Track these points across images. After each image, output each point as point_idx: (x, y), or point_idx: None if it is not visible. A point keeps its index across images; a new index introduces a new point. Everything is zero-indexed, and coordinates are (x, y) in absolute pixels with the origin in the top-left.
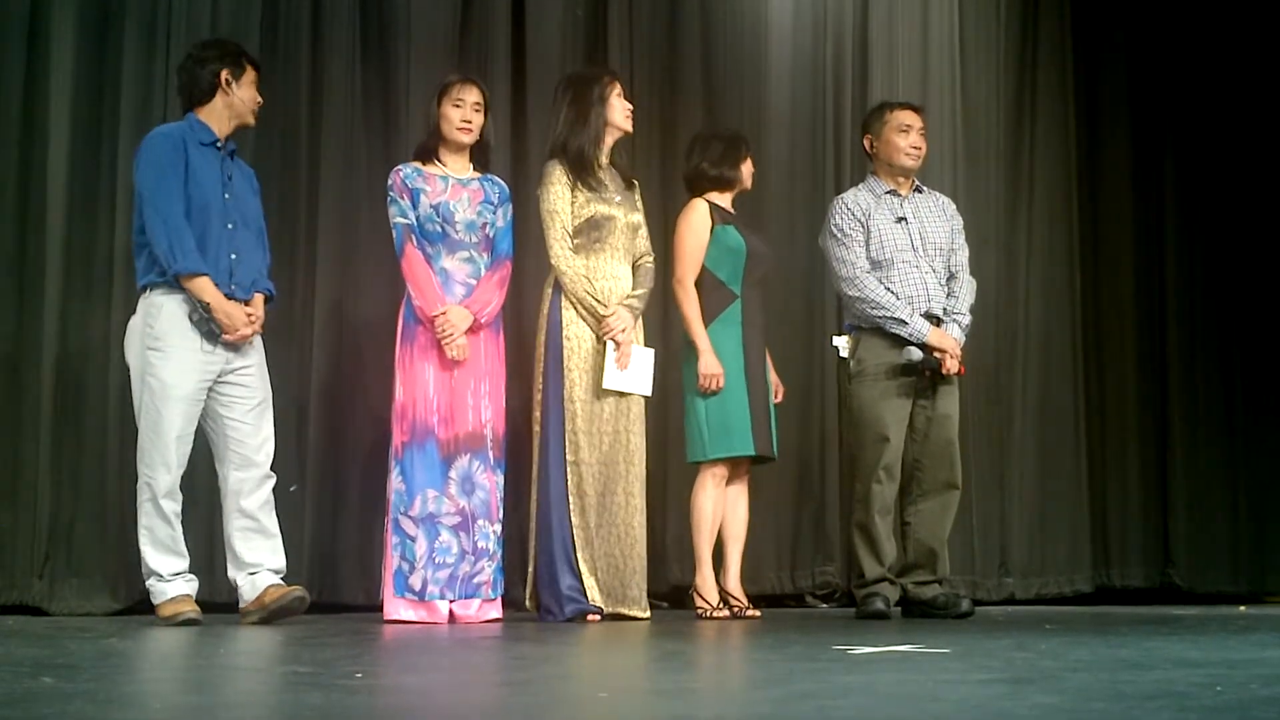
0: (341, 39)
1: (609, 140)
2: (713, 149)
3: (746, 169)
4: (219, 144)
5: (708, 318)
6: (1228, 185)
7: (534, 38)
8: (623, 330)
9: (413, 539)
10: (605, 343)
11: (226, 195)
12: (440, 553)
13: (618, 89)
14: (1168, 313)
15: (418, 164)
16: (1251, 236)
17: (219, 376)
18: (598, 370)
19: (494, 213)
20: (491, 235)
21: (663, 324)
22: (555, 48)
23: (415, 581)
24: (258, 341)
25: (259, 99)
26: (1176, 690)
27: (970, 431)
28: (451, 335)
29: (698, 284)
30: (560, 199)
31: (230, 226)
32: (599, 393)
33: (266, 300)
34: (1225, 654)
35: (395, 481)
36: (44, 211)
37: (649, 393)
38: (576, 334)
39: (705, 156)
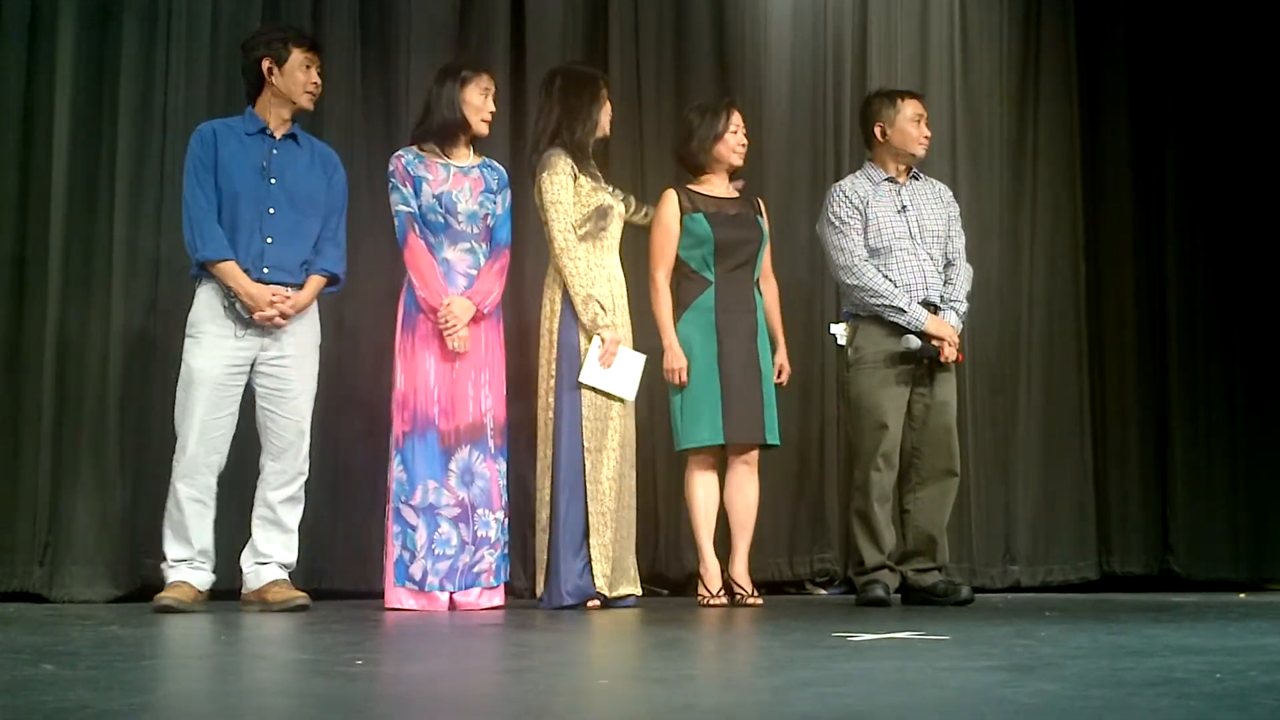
0: (342, 32)
1: (594, 139)
2: (683, 132)
3: (725, 145)
4: (268, 131)
5: (682, 306)
6: (1228, 177)
7: (534, 30)
8: (607, 328)
9: (414, 528)
10: (593, 336)
11: (273, 180)
12: (440, 544)
13: (606, 91)
14: (1168, 303)
15: (417, 149)
16: (1251, 227)
17: (256, 365)
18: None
19: (494, 201)
20: (491, 225)
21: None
22: (555, 40)
23: (415, 571)
24: (302, 331)
25: (313, 80)
26: (1176, 677)
27: (975, 420)
28: (455, 327)
29: (676, 272)
30: (565, 189)
31: (271, 211)
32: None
33: (332, 282)
34: (1225, 641)
35: (396, 470)
36: (45, 204)
37: (630, 397)
38: None
39: (676, 142)
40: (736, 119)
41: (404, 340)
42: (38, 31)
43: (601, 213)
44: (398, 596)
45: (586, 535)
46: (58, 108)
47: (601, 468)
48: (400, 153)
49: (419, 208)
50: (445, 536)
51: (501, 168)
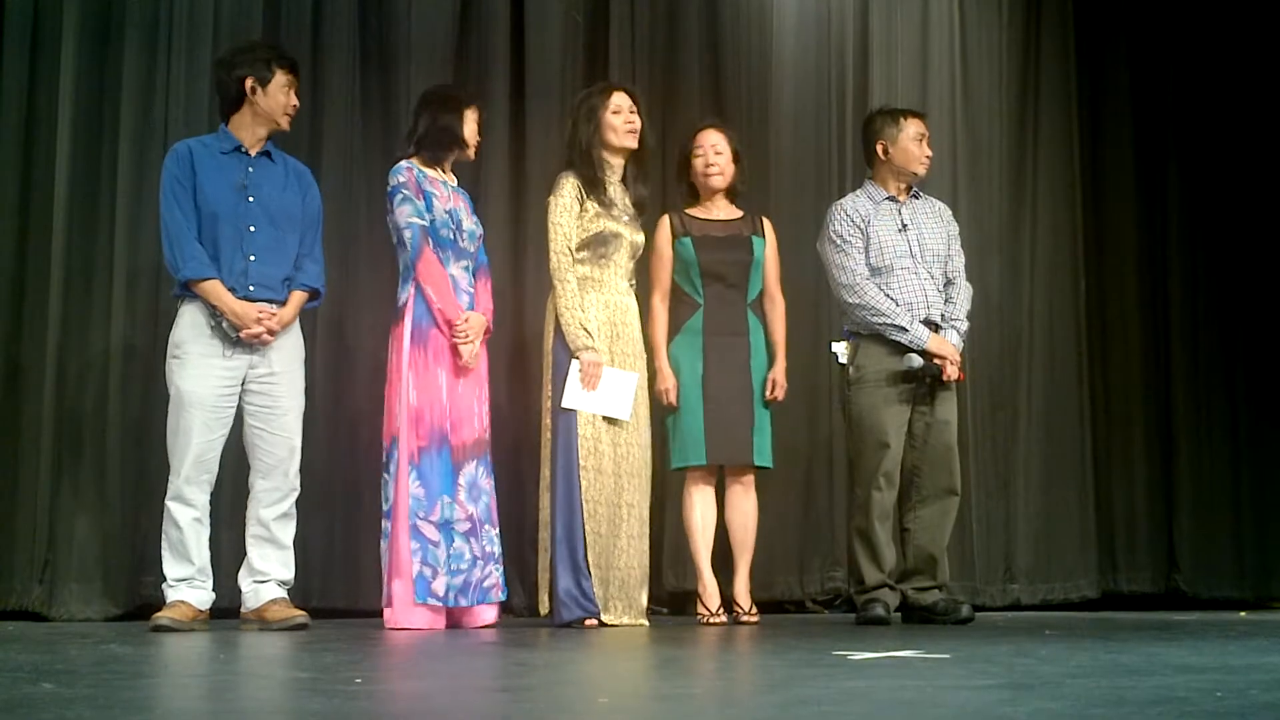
0: (341, 45)
1: (613, 157)
2: (676, 159)
3: (695, 170)
4: (243, 149)
5: (675, 328)
6: (1231, 189)
7: (534, 43)
8: (586, 350)
9: (435, 544)
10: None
11: (250, 199)
12: (454, 559)
13: (612, 105)
14: (1171, 318)
15: (419, 163)
16: (1255, 241)
17: (245, 383)
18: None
19: (478, 222)
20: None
21: None
22: (555, 54)
23: (439, 587)
24: (289, 347)
25: (293, 102)
26: (1177, 696)
27: (975, 437)
28: (473, 342)
29: (672, 295)
30: (566, 211)
31: (251, 229)
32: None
33: (313, 296)
34: (1225, 659)
35: (413, 486)
36: (46, 219)
37: (624, 417)
38: None
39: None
40: (704, 139)
41: (415, 354)
42: (39, 46)
43: (601, 240)
44: (415, 615)
45: (587, 554)
46: (59, 122)
47: (594, 488)
48: (408, 165)
49: (431, 222)
50: (459, 551)
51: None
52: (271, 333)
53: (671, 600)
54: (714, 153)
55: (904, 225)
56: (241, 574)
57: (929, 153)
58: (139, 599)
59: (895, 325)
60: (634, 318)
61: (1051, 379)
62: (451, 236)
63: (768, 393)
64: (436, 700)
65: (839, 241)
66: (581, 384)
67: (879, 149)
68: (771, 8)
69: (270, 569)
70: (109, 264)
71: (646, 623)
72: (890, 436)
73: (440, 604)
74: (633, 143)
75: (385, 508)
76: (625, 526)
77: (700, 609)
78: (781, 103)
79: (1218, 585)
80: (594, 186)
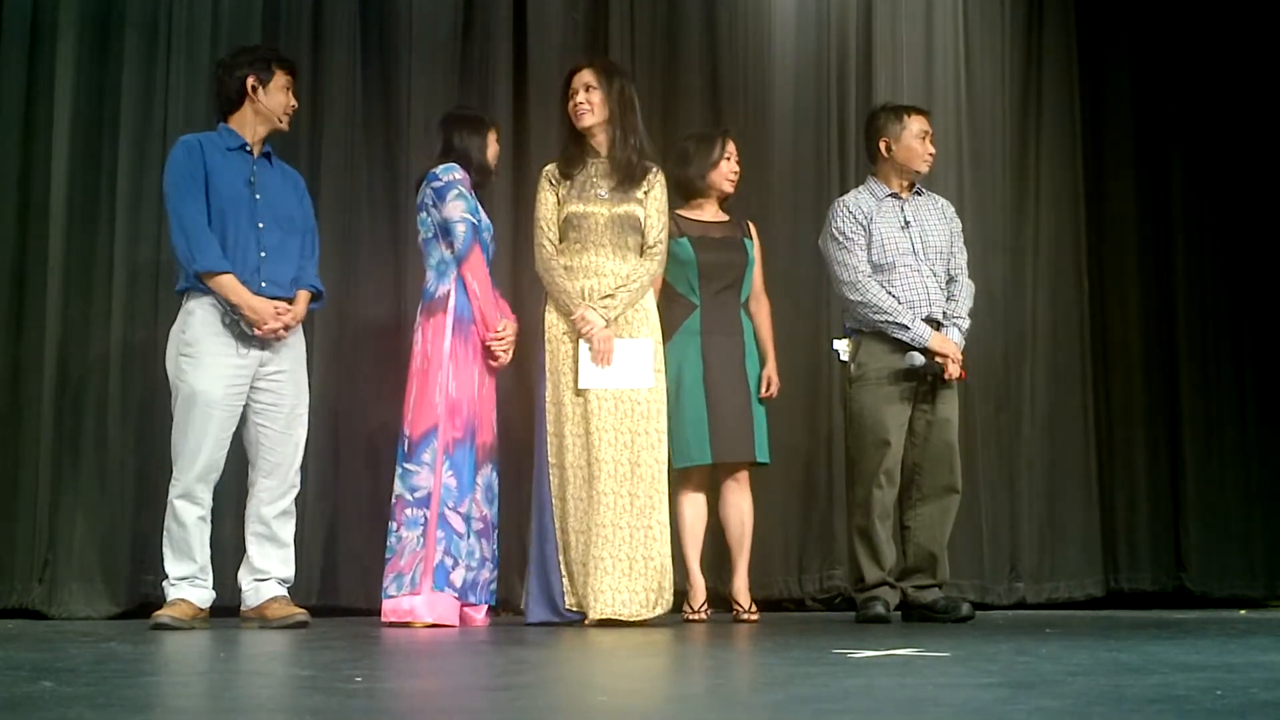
0: (342, 44)
1: (591, 138)
2: (677, 158)
3: (719, 173)
4: (248, 148)
5: (671, 328)
6: (1236, 184)
7: (535, 43)
8: (591, 328)
9: (460, 535)
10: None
11: (257, 196)
12: (468, 555)
13: (570, 88)
14: (1177, 313)
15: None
16: (1261, 236)
17: (254, 380)
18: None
19: None
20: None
21: None
22: (556, 52)
23: (456, 578)
24: (295, 345)
25: (292, 103)
26: (1177, 694)
27: (979, 435)
28: (508, 349)
29: (665, 295)
30: (543, 204)
31: (260, 226)
32: (583, 394)
33: (315, 298)
34: (1225, 658)
35: (445, 476)
36: (45, 219)
37: (649, 384)
38: (556, 336)
39: (672, 168)
40: (731, 147)
41: (456, 346)
42: (38, 46)
43: (571, 223)
44: (437, 604)
45: (559, 554)
46: (57, 122)
47: (568, 486)
48: (454, 166)
49: (477, 224)
50: (472, 548)
51: None
52: (287, 328)
53: (675, 599)
54: (734, 159)
55: (906, 222)
56: (241, 572)
57: (932, 150)
58: (139, 597)
59: (897, 323)
60: (612, 285)
61: (1055, 376)
62: (489, 241)
63: (763, 390)
64: (436, 699)
65: (841, 238)
66: (594, 361)
67: (882, 146)
68: (773, 5)
69: (270, 567)
70: (109, 264)
71: (637, 615)
72: (891, 434)
73: (455, 594)
74: (586, 122)
75: (412, 497)
76: (599, 516)
77: (684, 606)
78: (782, 101)
79: (1227, 583)
80: (567, 172)
